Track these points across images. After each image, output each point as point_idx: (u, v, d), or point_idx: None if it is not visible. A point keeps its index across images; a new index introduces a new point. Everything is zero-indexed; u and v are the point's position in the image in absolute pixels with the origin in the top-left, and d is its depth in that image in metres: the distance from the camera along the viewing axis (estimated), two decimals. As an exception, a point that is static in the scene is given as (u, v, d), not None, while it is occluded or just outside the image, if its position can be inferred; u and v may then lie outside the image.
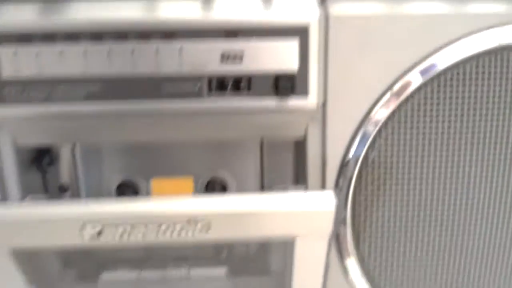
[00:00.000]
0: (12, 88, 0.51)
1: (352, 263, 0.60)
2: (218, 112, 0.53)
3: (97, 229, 0.44)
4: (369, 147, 0.56)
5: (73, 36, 0.50)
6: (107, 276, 0.55)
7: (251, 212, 0.46)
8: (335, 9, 0.52)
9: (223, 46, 0.51)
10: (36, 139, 0.55)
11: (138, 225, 0.45)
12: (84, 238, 0.44)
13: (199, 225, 0.45)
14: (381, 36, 0.53)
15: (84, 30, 0.50)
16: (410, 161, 0.57)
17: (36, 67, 0.50)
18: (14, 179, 0.55)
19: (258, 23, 0.51)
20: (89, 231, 0.44)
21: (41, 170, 0.60)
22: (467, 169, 0.58)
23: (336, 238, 0.59)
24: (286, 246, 0.52)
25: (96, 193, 0.63)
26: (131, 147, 0.62)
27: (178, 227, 0.46)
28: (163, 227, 0.45)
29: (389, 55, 0.54)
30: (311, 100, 0.53)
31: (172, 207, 0.46)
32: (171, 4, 0.52)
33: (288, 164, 0.64)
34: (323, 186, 0.58)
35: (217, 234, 0.46)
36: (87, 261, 0.65)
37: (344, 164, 0.57)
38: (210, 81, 0.52)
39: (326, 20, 0.52)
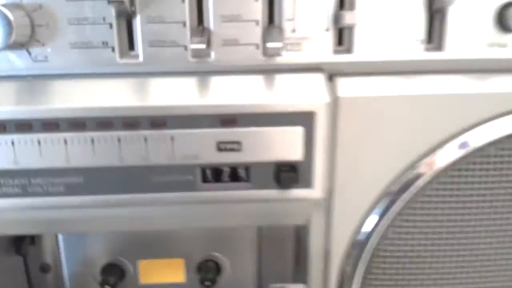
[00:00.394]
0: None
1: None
2: (213, 202, 0.48)
3: None
4: (381, 237, 0.51)
5: (52, 124, 0.45)
6: None
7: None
8: (345, 89, 0.47)
9: (219, 134, 0.46)
10: (13, 230, 0.50)
11: None
12: None
13: None
14: (394, 118, 0.48)
15: (64, 117, 0.45)
16: (425, 251, 0.52)
17: (11, 158, 0.45)
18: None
19: (258, 109, 0.46)
20: None
21: (21, 253, 0.55)
22: (485, 258, 0.53)
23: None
24: None
25: (80, 274, 0.58)
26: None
27: None
28: None
29: (402, 139, 0.49)
30: (316, 191, 0.48)
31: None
32: (161, 86, 0.47)
33: (288, 244, 0.59)
34: (325, 279, 0.53)
35: None
36: None
37: (349, 255, 0.52)
38: (204, 170, 0.47)
39: (335, 102, 0.47)
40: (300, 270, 0.58)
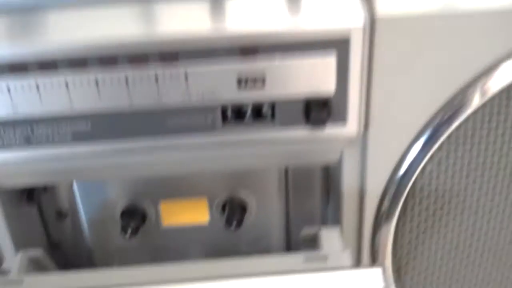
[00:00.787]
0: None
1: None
2: (235, 144, 0.44)
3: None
4: (418, 174, 0.46)
5: (49, 64, 0.39)
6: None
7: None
8: (384, 9, 0.40)
9: (239, 68, 0.40)
10: (20, 181, 0.46)
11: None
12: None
13: None
14: (440, 40, 0.41)
15: (63, 56, 0.39)
16: (466, 189, 0.47)
17: (9, 105, 0.40)
18: (3, 224, 0.47)
19: (283, 35, 0.39)
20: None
21: (34, 201, 0.52)
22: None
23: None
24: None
25: (99, 219, 0.55)
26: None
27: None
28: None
29: (448, 65, 0.42)
30: (351, 128, 0.43)
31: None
32: (170, 15, 0.40)
33: (316, 182, 0.55)
34: (360, 219, 0.49)
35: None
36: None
37: (387, 193, 0.47)
38: (224, 110, 0.42)
39: (372, 24, 0.40)
40: (330, 211, 0.54)
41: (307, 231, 0.47)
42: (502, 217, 0.49)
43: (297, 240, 0.57)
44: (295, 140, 0.43)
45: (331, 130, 0.43)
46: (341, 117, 0.42)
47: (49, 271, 0.49)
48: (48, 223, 0.55)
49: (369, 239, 0.50)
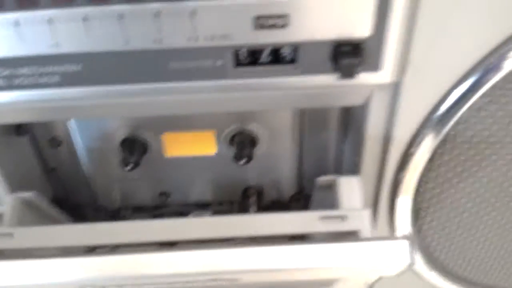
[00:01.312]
0: (-46, 70, 0.35)
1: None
2: (248, 91, 0.38)
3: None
4: (455, 121, 0.41)
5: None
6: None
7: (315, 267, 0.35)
8: None
9: (257, 6, 0.33)
10: (5, 119, 0.41)
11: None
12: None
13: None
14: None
15: (43, -13, 0.32)
16: (504, 138, 0.43)
17: (-18, 43, 0.34)
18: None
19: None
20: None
21: (25, 132, 0.47)
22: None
23: (391, 211, 0.48)
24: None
25: (97, 148, 0.51)
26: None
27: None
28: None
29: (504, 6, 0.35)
30: (385, 75, 0.37)
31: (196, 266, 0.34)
32: None
33: (333, 120, 0.50)
34: (382, 162, 0.44)
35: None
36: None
37: (417, 138, 0.43)
38: (237, 53, 0.36)
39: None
40: (346, 152, 0.50)
41: (323, 179, 0.43)
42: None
43: (308, 177, 0.54)
44: (318, 87, 0.37)
45: (362, 77, 0.37)
46: (375, 63, 0.36)
47: (43, 213, 0.46)
48: (41, 152, 0.51)
49: (390, 183, 0.46)
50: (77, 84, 0.36)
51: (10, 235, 0.38)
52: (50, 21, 0.33)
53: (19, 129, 0.46)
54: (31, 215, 0.44)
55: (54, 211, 0.48)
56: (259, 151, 0.51)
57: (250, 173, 0.54)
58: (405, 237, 0.35)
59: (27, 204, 0.43)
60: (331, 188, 0.43)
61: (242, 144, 0.49)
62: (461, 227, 0.49)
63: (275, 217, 0.39)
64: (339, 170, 0.54)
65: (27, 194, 0.43)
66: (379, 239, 0.35)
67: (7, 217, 0.41)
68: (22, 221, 0.42)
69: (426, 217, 0.48)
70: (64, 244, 0.38)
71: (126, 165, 0.48)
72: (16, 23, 0.33)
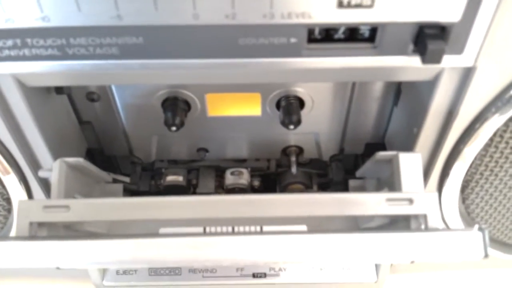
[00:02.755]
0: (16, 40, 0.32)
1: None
2: (322, 71, 0.35)
3: None
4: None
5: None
6: (165, 231, 0.46)
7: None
8: None
9: (343, -19, 0.30)
10: (49, 82, 0.38)
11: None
12: None
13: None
14: None
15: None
16: None
17: (37, 12, 0.31)
18: (31, 123, 0.40)
19: None
20: None
21: (63, 91, 0.45)
22: None
23: (441, 181, 0.47)
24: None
25: (135, 104, 0.48)
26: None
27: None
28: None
29: None
30: (467, 59, 0.35)
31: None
32: None
33: (380, 84, 0.47)
34: (442, 135, 0.43)
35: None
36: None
37: (480, 118, 0.41)
38: (311, 31, 0.33)
39: None
40: (395, 123, 0.48)
41: (383, 154, 0.42)
42: None
43: (350, 139, 0.53)
44: (396, 68, 0.35)
45: (443, 61, 0.34)
46: (459, 48, 0.34)
47: (91, 176, 0.44)
48: (77, 106, 0.48)
49: (446, 154, 0.45)
50: (137, 56, 0.33)
51: (67, 207, 0.37)
52: (114, -8, 0.30)
53: (58, 88, 0.44)
54: (79, 179, 0.43)
55: (103, 174, 0.47)
56: (304, 113, 0.49)
57: (293, 134, 0.52)
58: (479, 229, 0.34)
59: (75, 169, 0.41)
60: (390, 162, 0.42)
61: (290, 108, 0.47)
62: (506, 205, 0.49)
63: (339, 196, 0.37)
64: (383, 135, 0.53)
65: (74, 160, 0.41)
66: (453, 230, 0.34)
67: (55, 183, 0.40)
68: (70, 187, 0.41)
69: (476, 187, 0.48)
70: (118, 218, 0.37)
71: (170, 126, 0.46)
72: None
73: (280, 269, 0.55)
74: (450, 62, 0.34)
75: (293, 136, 0.53)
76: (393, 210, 0.37)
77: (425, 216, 0.37)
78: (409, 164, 0.41)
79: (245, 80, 0.38)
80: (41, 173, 0.42)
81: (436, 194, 0.38)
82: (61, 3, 0.30)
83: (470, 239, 0.34)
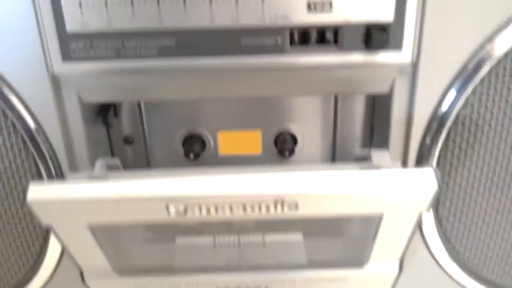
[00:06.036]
0: (78, 43, 0.46)
1: (430, 224, 0.57)
2: (300, 68, 0.49)
3: (181, 208, 0.42)
4: (462, 105, 0.51)
5: (143, -17, 0.45)
6: (180, 240, 0.53)
7: (345, 193, 0.43)
8: None
9: (310, -8, 0.45)
10: (102, 96, 0.51)
11: (223, 205, 0.42)
12: (169, 216, 0.42)
13: (286, 205, 0.42)
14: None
15: (156, -24, 0.44)
16: (504, 120, 0.52)
17: (105, 19, 0.45)
18: (82, 137, 0.52)
19: (350, -34, 0.45)
20: (173, 210, 0.42)
21: (106, 123, 0.57)
22: None
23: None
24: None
25: (162, 145, 0.60)
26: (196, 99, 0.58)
27: (264, 206, 0.43)
28: (249, 207, 0.42)
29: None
30: (405, 54, 0.48)
31: (257, 188, 0.43)
32: None
33: (361, 111, 0.60)
34: (406, 145, 0.53)
35: (304, 211, 0.43)
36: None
37: (432, 122, 0.52)
38: (292, 33, 0.47)
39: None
40: (375, 139, 0.59)
41: (359, 151, 0.52)
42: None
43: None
44: (354, 64, 0.48)
45: (387, 55, 0.48)
46: (397, 44, 0.47)
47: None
48: (114, 147, 0.60)
49: (414, 161, 0.55)
50: (170, 55, 0.47)
51: (105, 176, 0.46)
52: (157, 2, 0.45)
53: (102, 119, 0.56)
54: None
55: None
56: (299, 148, 0.60)
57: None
58: (430, 167, 0.43)
59: (112, 168, 0.51)
60: (365, 159, 0.52)
61: (284, 140, 0.59)
62: (475, 214, 0.56)
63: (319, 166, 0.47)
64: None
65: (112, 159, 0.51)
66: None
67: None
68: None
69: (445, 204, 0.56)
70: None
71: (188, 156, 0.58)
72: (132, 2, 0.45)
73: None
74: (392, 57, 0.48)
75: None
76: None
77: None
78: (380, 158, 0.51)
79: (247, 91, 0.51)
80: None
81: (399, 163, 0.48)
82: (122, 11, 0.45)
83: (422, 175, 0.43)
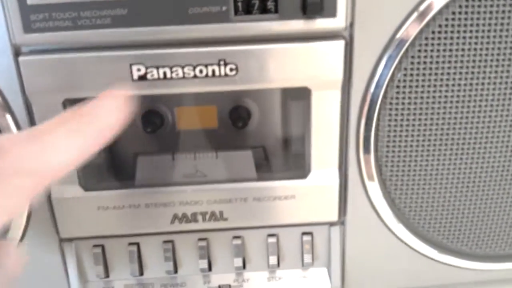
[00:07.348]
0: (38, 14, 0.50)
1: (374, 186, 0.61)
2: (245, 36, 0.53)
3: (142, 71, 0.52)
4: (395, 68, 0.55)
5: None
6: (142, 159, 0.61)
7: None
8: None
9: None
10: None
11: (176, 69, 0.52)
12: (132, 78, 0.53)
13: (228, 67, 0.53)
14: None
15: None
16: (436, 81, 0.56)
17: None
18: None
19: None
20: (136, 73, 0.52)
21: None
22: (494, 90, 0.57)
23: (359, 163, 0.60)
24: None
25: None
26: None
27: (210, 69, 0.53)
28: (198, 69, 0.53)
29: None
30: (339, 20, 0.53)
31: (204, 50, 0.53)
32: None
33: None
34: (347, 109, 0.58)
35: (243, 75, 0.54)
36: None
37: (369, 87, 0.57)
38: (236, 2, 0.52)
39: None
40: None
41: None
42: (468, 109, 0.58)
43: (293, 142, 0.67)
44: (293, 31, 0.53)
45: (323, 22, 0.52)
46: (332, 11, 0.52)
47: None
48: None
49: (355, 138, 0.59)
50: (124, 25, 0.51)
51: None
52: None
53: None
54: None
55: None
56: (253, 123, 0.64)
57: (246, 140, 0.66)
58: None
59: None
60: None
61: (238, 114, 0.63)
62: (416, 173, 0.61)
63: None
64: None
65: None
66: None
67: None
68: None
69: (387, 165, 0.60)
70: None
71: (146, 129, 0.61)
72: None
73: (243, 280, 0.63)
74: (328, 23, 0.53)
75: (249, 141, 0.67)
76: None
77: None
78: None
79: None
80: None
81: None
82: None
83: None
